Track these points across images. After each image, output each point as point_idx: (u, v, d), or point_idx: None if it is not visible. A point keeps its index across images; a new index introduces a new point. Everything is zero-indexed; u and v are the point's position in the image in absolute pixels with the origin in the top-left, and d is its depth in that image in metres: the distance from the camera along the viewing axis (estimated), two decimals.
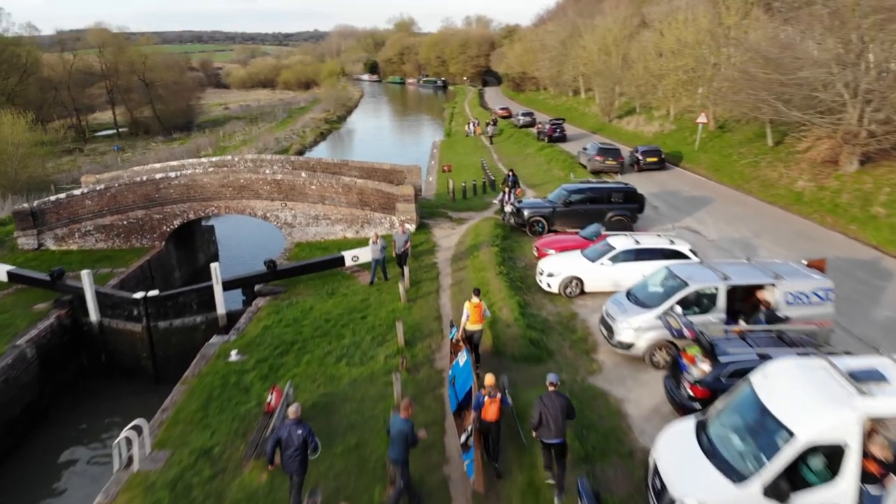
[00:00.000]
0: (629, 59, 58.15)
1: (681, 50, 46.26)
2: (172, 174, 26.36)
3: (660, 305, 14.90)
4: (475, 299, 14.48)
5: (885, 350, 11.18)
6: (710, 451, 9.76)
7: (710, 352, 12.60)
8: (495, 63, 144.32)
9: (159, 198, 26.29)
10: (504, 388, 12.02)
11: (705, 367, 12.54)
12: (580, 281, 19.49)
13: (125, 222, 26.43)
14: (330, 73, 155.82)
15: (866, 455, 8.87)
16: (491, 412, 10.95)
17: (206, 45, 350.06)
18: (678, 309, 14.67)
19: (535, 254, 22.91)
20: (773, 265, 15.95)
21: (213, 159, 31.23)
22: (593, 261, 19.48)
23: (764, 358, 12.28)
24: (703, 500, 9.04)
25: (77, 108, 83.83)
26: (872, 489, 8.77)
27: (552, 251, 21.96)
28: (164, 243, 26.63)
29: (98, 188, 26.17)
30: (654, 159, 40.32)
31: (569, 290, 19.53)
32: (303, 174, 26.51)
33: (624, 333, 15.12)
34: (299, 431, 9.87)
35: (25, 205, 26.44)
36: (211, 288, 20.15)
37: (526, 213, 26.19)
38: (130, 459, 12.22)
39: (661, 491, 9.68)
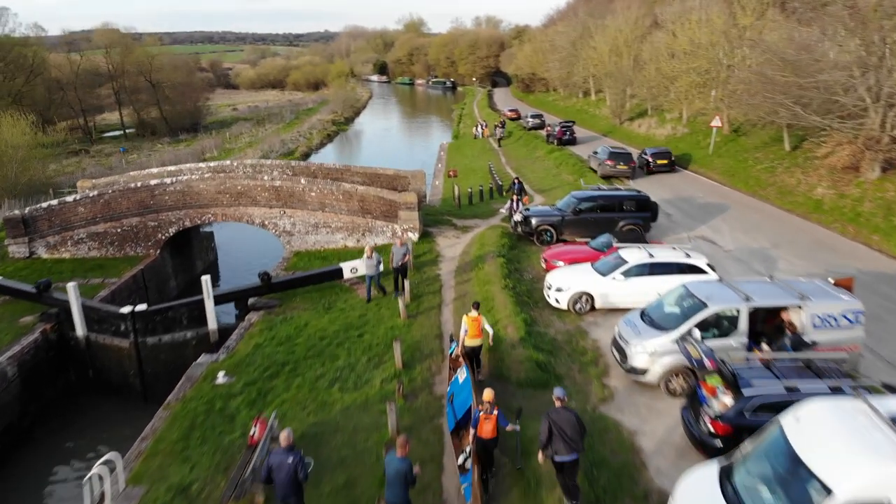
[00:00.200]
0: (641, 61, 56.94)
1: (694, 51, 45.03)
2: (168, 180, 25.47)
3: (677, 328, 13.82)
4: (474, 313, 14.07)
5: None
6: None
7: (733, 383, 11.53)
8: (505, 64, 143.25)
9: (154, 205, 25.42)
10: (516, 418, 11.20)
11: (727, 400, 11.47)
12: (590, 296, 18.42)
13: (119, 230, 25.57)
14: (338, 74, 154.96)
15: None
16: (486, 430, 10.44)
17: (216, 45, 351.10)
18: (696, 333, 13.60)
19: (543, 265, 21.88)
20: (798, 284, 14.85)
21: (212, 164, 30.34)
22: (605, 275, 18.41)
23: (792, 391, 11.25)
24: None
25: (84, 109, 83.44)
26: None
27: (561, 263, 20.92)
28: (158, 251, 25.74)
29: (91, 194, 25.33)
30: (665, 161, 39.78)
31: (578, 306, 18.46)
32: (302, 180, 25.56)
33: (638, 358, 14.05)
34: (290, 459, 9.46)
35: (16, 212, 25.60)
36: (202, 302, 19.20)
37: (534, 221, 25.15)
38: (102, 497, 11.26)
39: None
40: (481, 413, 10.43)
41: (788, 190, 31.55)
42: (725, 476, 9.35)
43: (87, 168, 59.50)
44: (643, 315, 15.04)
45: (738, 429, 11.14)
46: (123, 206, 25.34)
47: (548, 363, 15.03)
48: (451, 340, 15.69)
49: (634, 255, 18.56)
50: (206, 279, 19.07)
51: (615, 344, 15.00)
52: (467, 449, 10.85)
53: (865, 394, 9.86)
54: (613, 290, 18.17)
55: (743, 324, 13.78)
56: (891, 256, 23.34)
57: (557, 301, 18.67)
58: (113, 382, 19.90)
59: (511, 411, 12.51)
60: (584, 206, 25.09)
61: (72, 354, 20.05)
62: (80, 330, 19.55)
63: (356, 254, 22.84)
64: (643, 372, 14.05)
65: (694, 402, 12.29)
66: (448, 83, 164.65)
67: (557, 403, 10.20)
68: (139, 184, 25.53)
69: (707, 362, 11.51)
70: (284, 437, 9.68)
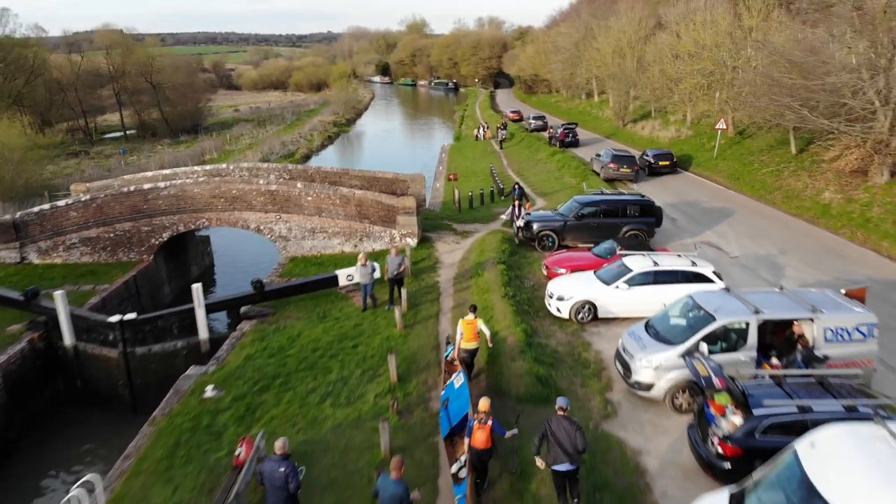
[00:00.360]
0: (644, 62, 56.39)
1: (698, 52, 44.41)
2: (161, 184, 24.95)
3: (683, 342, 13.25)
4: (470, 316, 13.94)
5: None
6: None
7: (743, 402, 10.96)
8: (507, 65, 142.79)
9: (147, 209, 24.89)
10: (515, 422, 11.09)
11: (736, 419, 10.90)
12: (593, 306, 17.85)
13: (112, 235, 25.05)
14: (340, 75, 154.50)
15: None
16: (479, 439, 10.22)
17: (219, 46, 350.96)
18: (703, 347, 13.04)
19: (544, 272, 21.31)
20: (809, 295, 14.27)
21: (207, 168, 29.79)
22: (608, 283, 17.84)
23: (805, 411, 10.68)
24: None
25: (85, 111, 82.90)
26: None
27: (563, 270, 20.37)
28: (152, 257, 25.21)
29: (83, 199, 24.82)
30: (667, 163, 40.05)
31: (581, 315, 17.88)
32: (298, 184, 25.01)
33: (642, 373, 13.47)
34: (281, 469, 9.30)
35: (7, 216, 25.09)
36: (193, 311, 18.66)
37: (535, 226, 24.56)
38: None
39: None
40: (475, 422, 10.22)
41: (795, 194, 30.94)
42: None
43: (87, 170, 58.90)
44: (648, 327, 14.47)
45: (747, 450, 10.61)
46: (116, 211, 24.83)
47: (549, 377, 14.46)
48: (448, 343, 15.36)
49: (638, 262, 17.98)
50: (196, 287, 18.51)
51: (619, 357, 14.43)
52: (462, 458, 10.55)
53: (883, 414, 9.31)
54: (617, 299, 17.61)
55: (752, 337, 13.22)
56: None
57: (559, 310, 18.10)
58: (101, 393, 19.34)
59: (509, 426, 12.01)
60: (587, 210, 24.50)
61: (60, 364, 19.51)
62: (67, 339, 19.02)
63: (353, 259, 22.20)
64: (648, 387, 13.48)
65: (701, 420, 11.72)
66: (450, 84, 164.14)
67: (560, 413, 10.05)
68: (132, 188, 25.01)
69: (716, 380, 10.92)
70: (279, 445, 9.51)
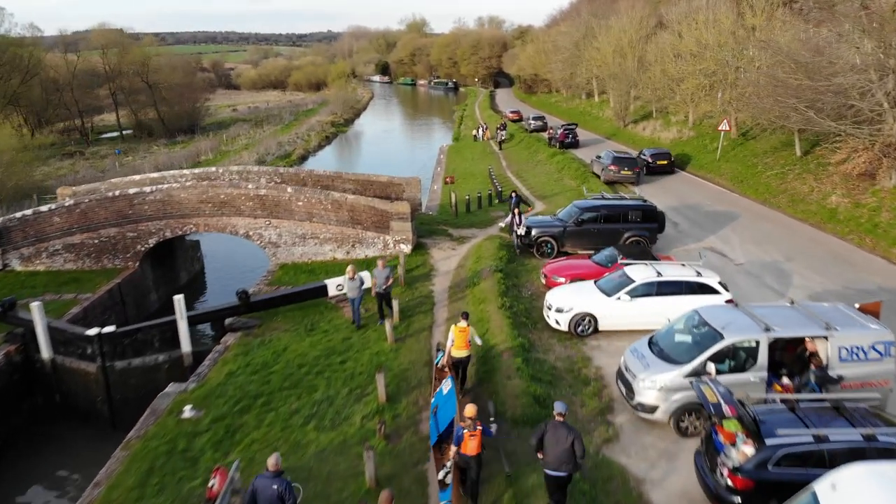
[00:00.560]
0: (645, 62, 55.58)
1: (701, 52, 43.59)
2: (147, 189, 24.14)
3: (689, 362, 12.46)
4: (462, 323, 13.65)
5: None
6: None
7: (755, 430, 10.18)
8: (507, 64, 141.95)
9: (133, 214, 24.09)
10: (490, 418, 11.06)
11: (748, 450, 10.11)
12: (593, 318, 17.05)
13: (96, 241, 24.25)
14: (339, 75, 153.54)
15: None
16: (470, 446, 10.10)
17: (219, 45, 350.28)
18: (711, 367, 12.24)
19: (543, 281, 20.51)
20: (822, 311, 13.45)
21: (196, 171, 28.99)
22: (609, 295, 17.04)
23: (821, 441, 9.91)
24: None
25: (81, 111, 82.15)
26: None
27: (562, 279, 19.57)
28: (138, 264, 24.40)
29: (67, 204, 24.03)
30: (665, 162, 40.22)
31: (580, 328, 17.08)
32: (289, 189, 24.21)
33: (646, 394, 12.66)
34: (275, 486, 8.94)
35: None
36: (175, 323, 17.85)
37: (533, 232, 23.77)
38: None
39: None
40: (465, 431, 10.05)
41: (800, 198, 30.13)
42: None
43: (81, 171, 58.12)
44: (651, 344, 13.67)
45: (759, 483, 9.85)
46: (101, 216, 24.02)
47: (547, 396, 13.66)
48: (438, 350, 14.98)
49: (641, 272, 17.19)
50: (178, 299, 17.68)
51: (621, 377, 13.63)
52: (448, 464, 10.55)
53: None
54: (618, 311, 16.82)
55: (762, 357, 12.42)
56: None
57: (558, 322, 17.30)
58: (80, 408, 18.53)
59: (506, 455, 11.33)
60: (587, 216, 23.70)
61: (38, 378, 18.70)
62: (45, 352, 18.20)
63: (345, 266, 21.34)
64: (652, 409, 12.67)
65: (709, 447, 10.92)
66: (450, 84, 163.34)
67: (558, 418, 9.99)
68: (117, 192, 24.20)
69: (726, 408, 10.11)
70: (272, 462, 9.15)
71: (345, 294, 18.92)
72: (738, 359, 12.58)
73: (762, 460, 9.92)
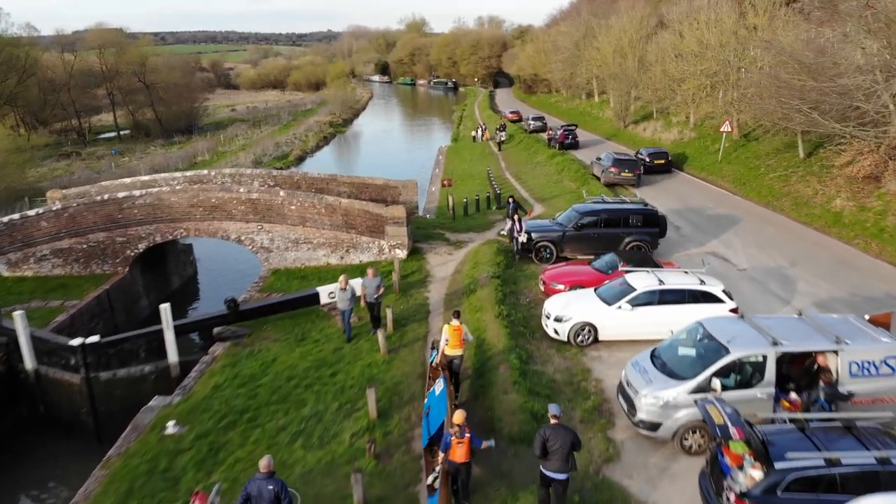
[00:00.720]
0: (646, 62, 54.98)
1: (702, 52, 43.02)
2: (137, 192, 23.59)
3: (694, 377, 11.92)
4: (455, 322, 13.56)
5: None
6: None
7: (763, 453, 9.64)
8: (507, 64, 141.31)
9: (122, 219, 23.54)
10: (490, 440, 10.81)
11: (756, 473, 9.56)
12: (593, 328, 16.50)
13: (85, 246, 23.70)
14: (338, 75, 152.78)
15: None
16: (459, 453, 10.04)
17: (219, 45, 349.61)
18: (716, 383, 11.71)
19: (542, 288, 19.97)
20: (831, 323, 12.91)
21: (188, 174, 28.41)
22: (609, 303, 16.50)
23: (833, 464, 9.38)
24: None
25: (78, 111, 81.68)
26: None
27: (561, 286, 19.04)
28: (127, 269, 23.85)
29: (55, 208, 23.48)
30: (662, 161, 40.28)
31: (580, 338, 16.54)
32: (281, 193, 23.64)
33: (648, 411, 12.11)
34: (270, 487, 8.83)
35: None
36: (161, 332, 17.29)
37: (532, 236, 23.20)
38: None
39: None
40: (452, 437, 9.97)
41: (804, 201, 29.56)
42: None
43: (77, 172, 57.62)
44: (654, 357, 13.12)
45: None
46: (89, 221, 23.48)
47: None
48: (432, 348, 14.83)
49: (643, 280, 16.66)
50: (164, 308, 17.11)
51: (622, 392, 13.08)
52: (437, 469, 10.46)
53: None
54: (619, 320, 16.28)
55: (770, 372, 11.88)
56: None
57: (556, 332, 16.76)
58: (64, 420, 17.95)
59: (502, 476, 10.80)
60: (587, 220, 23.11)
61: (22, 388, 18.16)
62: (28, 362, 17.65)
63: (339, 272, 20.78)
64: (654, 427, 12.13)
65: (714, 469, 10.38)
66: (450, 84, 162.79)
67: (553, 421, 9.95)
68: (106, 196, 23.65)
69: (733, 431, 9.56)
70: (264, 464, 9.04)
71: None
72: (744, 374, 12.05)
73: (771, 485, 9.39)
